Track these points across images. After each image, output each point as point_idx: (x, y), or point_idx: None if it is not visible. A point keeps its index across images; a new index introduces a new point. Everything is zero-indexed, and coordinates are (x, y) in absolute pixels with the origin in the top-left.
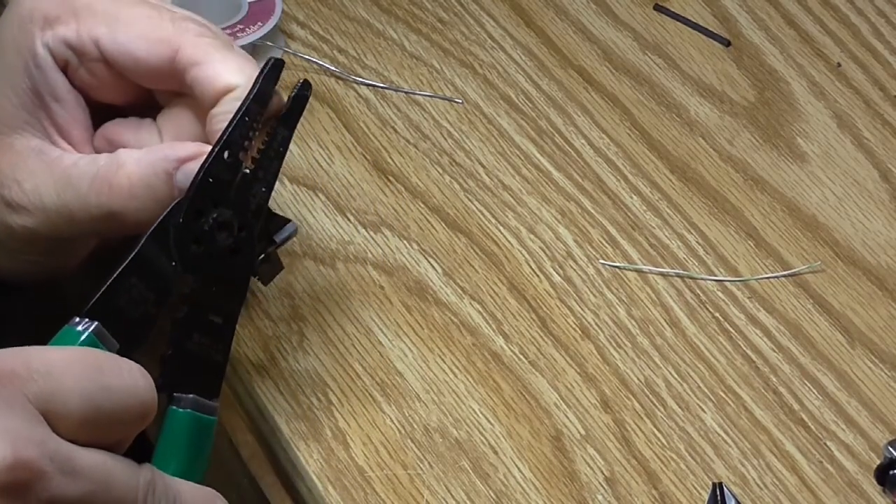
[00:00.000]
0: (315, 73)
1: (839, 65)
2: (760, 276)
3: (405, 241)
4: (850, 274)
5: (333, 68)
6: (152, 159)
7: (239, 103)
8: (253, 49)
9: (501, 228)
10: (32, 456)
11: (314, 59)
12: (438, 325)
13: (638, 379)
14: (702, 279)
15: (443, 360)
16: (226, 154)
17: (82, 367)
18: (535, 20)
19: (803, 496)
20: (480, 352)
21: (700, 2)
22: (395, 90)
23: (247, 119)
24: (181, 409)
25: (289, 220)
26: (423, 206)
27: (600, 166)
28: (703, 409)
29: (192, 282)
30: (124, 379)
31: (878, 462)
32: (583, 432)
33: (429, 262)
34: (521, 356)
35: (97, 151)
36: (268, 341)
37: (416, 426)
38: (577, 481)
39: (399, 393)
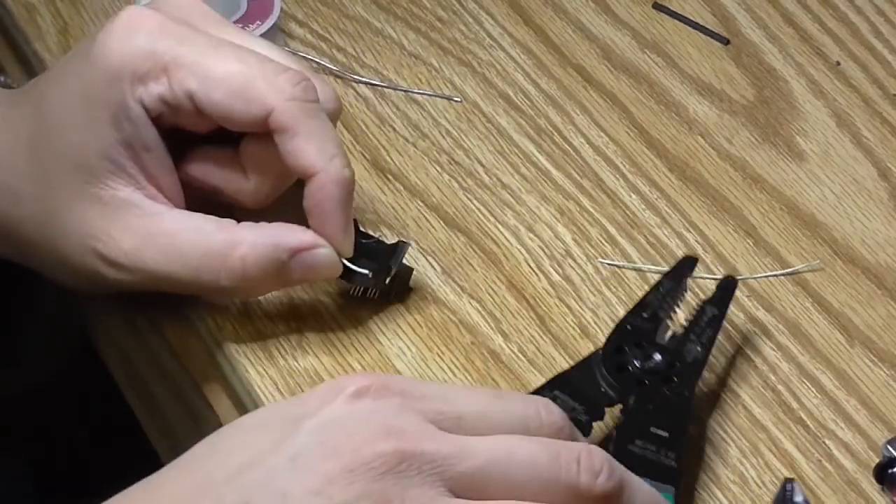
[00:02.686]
0: (314, 72)
1: (838, 63)
2: (759, 275)
3: None
4: (848, 272)
5: (332, 67)
6: (268, 245)
7: (323, 193)
8: None
9: (500, 227)
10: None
11: (313, 58)
12: (437, 323)
13: None
14: (701, 278)
15: (441, 358)
16: (644, 314)
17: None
18: (533, 18)
19: None
20: (479, 350)
21: (699, 0)
22: (394, 89)
23: (660, 290)
24: None
25: (397, 244)
26: (421, 204)
27: (599, 165)
28: (701, 409)
29: (624, 399)
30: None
31: (877, 461)
32: None
33: (427, 260)
34: (520, 355)
35: (183, 187)
36: (267, 340)
37: None
38: None
39: None
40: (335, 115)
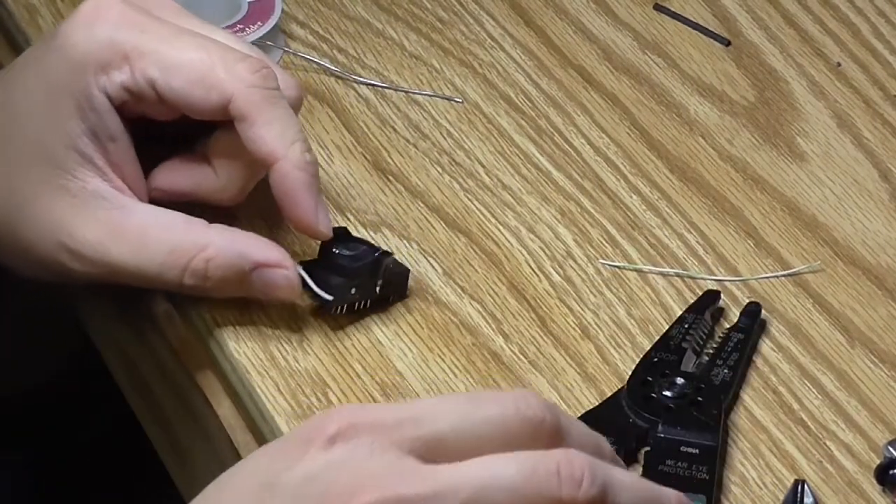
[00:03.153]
0: (315, 73)
1: (839, 64)
2: (760, 276)
3: (405, 241)
4: (849, 273)
5: (333, 68)
6: (235, 252)
7: (288, 179)
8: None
9: (501, 228)
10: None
11: (314, 59)
12: (438, 324)
13: None
14: (702, 279)
15: (442, 359)
16: (668, 347)
17: None
18: (534, 19)
19: None
20: (480, 351)
21: (700, 1)
22: (395, 89)
23: (683, 323)
24: None
25: (377, 258)
26: (422, 205)
27: (600, 166)
28: None
29: (653, 426)
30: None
31: (878, 462)
32: None
33: (428, 261)
34: (521, 356)
35: (151, 201)
36: (268, 341)
37: None
38: None
39: (399, 393)
40: (297, 102)
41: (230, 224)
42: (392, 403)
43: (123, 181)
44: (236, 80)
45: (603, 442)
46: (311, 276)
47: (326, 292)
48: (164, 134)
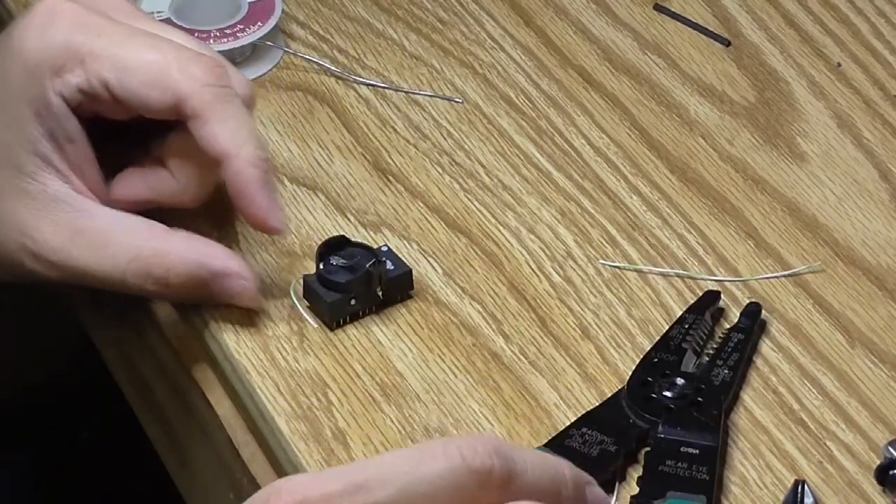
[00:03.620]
0: (315, 73)
1: (839, 65)
2: (760, 277)
3: (405, 241)
4: (849, 274)
5: (333, 68)
6: (194, 262)
7: (240, 176)
8: (253, 49)
9: (501, 228)
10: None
11: (314, 59)
12: (438, 325)
13: None
14: (702, 279)
15: (443, 360)
16: (668, 347)
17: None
18: (534, 20)
19: None
20: (480, 352)
21: (700, 1)
22: (395, 90)
23: (683, 324)
24: None
25: (369, 271)
26: (422, 206)
27: (600, 166)
28: None
29: (653, 427)
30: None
31: (878, 462)
32: None
33: (429, 262)
34: (521, 356)
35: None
36: (268, 341)
37: (416, 426)
38: None
39: (399, 393)
40: (249, 101)
41: (220, 223)
42: (340, 467)
43: (84, 182)
44: (190, 80)
45: (563, 469)
46: (309, 291)
47: (324, 308)
48: (120, 131)
